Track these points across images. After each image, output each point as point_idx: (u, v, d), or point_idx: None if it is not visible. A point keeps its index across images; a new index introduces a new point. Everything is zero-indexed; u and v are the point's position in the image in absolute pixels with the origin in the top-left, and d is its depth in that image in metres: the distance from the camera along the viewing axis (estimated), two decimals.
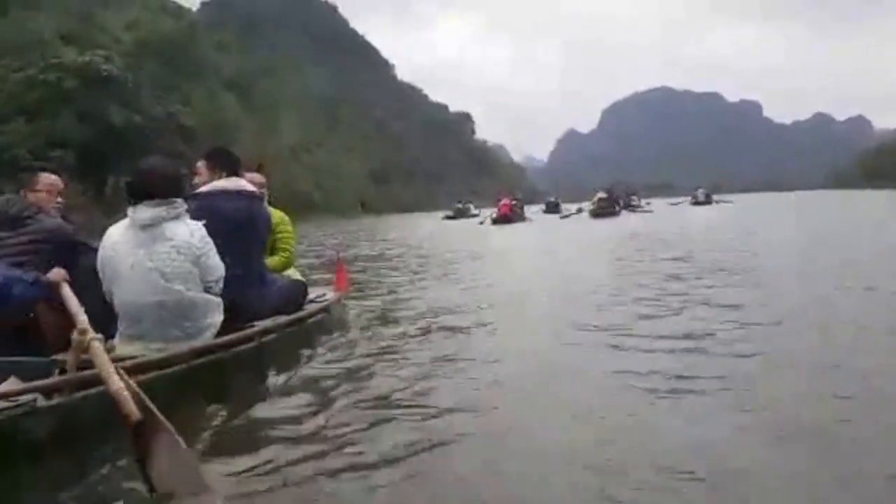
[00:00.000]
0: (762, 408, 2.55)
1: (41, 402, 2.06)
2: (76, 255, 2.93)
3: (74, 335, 2.19)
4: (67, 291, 2.59)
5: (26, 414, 2.00)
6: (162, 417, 1.95)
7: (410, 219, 44.26)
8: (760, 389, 2.78)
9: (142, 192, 2.74)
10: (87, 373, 2.20)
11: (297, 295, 3.72)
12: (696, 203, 38.20)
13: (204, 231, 2.84)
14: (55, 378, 2.23)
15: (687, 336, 3.86)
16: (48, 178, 3.16)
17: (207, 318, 2.83)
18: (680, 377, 2.96)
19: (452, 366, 3.39)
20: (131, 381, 2.05)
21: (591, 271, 7.97)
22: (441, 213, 39.72)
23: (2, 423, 1.93)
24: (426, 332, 4.35)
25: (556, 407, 2.69)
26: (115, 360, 2.29)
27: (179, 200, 2.81)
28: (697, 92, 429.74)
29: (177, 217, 2.78)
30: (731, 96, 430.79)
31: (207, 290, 2.84)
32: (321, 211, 56.62)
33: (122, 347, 2.72)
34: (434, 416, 2.59)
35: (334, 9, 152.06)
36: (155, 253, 2.69)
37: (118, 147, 34.83)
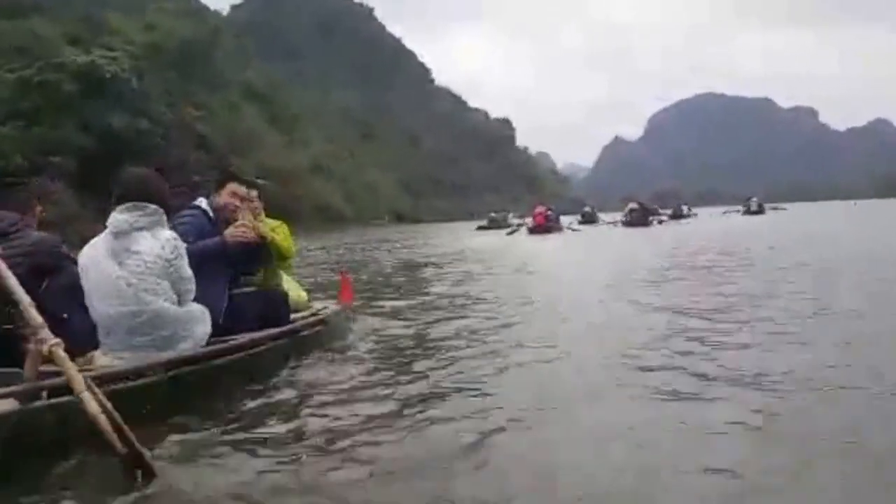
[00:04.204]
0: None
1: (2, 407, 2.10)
2: (60, 267, 3.01)
3: (31, 344, 2.22)
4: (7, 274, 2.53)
5: None
6: (138, 447, 2.05)
7: (444, 229, 44.37)
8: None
9: (119, 195, 2.86)
10: (45, 382, 2.24)
11: (272, 306, 3.71)
12: (749, 212, 37.43)
13: (178, 242, 2.90)
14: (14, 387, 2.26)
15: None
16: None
17: (185, 329, 2.87)
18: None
19: (455, 387, 3.30)
20: (106, 401, 2.10)
21: (610, 283, 7.84)
22: (476, 224, 39.76)
23: None
24: (434, 348, 4.27)
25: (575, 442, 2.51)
26: (83, 371, 2.35)
27: (154, 207, 2.88)
28: (748, 97, 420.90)
29: (150, 225, 2.85)
30: (784, 102, 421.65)
31: (182, 300, 2.88)
32: (351, 222, 57.24)
33: (101, 359, 2.77)
34: (429, 439, 2.54)
35: (370, 11, 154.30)
36: (125, 264, 2.78)
37: (122, 154, 33.28)
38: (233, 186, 3.54)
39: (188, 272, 2.94)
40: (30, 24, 39.73)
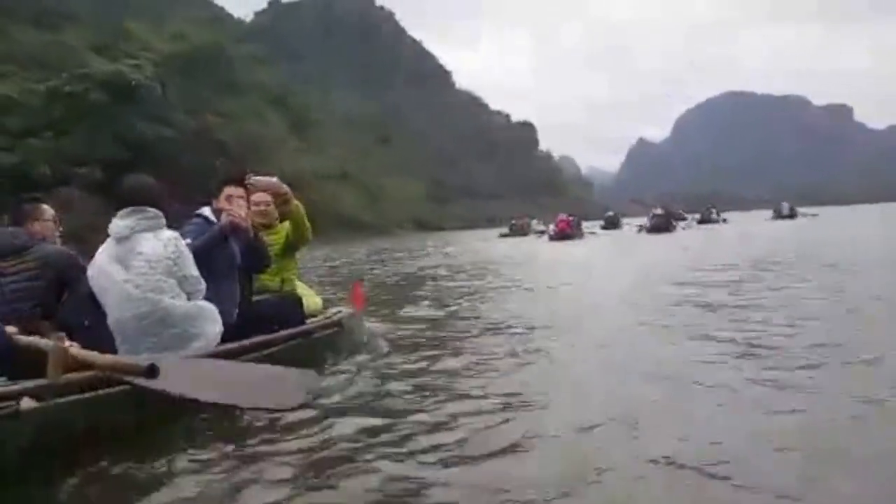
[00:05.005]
0: None
1: (26, 404, 2.22)
2: (78, 279, 3.16)
3: (51, 346, 2.37)
4: None
5: (8, 417, 2.17)
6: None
7: (464, 236, 44.41)
8: None
9: (119, 202, 3.03)
10: (71, 376, 2.38)
11: (287, 311, 3.84)
12: (780, 217, 36.91)
13: (179, 242, 3.04)
14: (39, 382, 2.40)
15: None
16: (50, 210, 3.44)
17: (195, 327, 2.99)
18: None
19: (469, 393, 3.33)
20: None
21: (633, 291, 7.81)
22: (499, 231, 39.78)
23: None
24: (451, 354, 4.32)
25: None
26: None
27: (154, 211, 3.03)
28: (779, 95, 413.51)
29: (151, 228, 3.00)
30: (818, 100, 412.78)
31: (191, 300, 3.02)
32: (371, 230, 57.51)
33: None
34: (441, 445, 2.56)
35: (391, 15, 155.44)
36: (130, 267, 2.93)
37: (147, 162, 34.43)
38: (229, 190, 3.64)
39: (194, 271, 3.06)
40: (59, 36, 40.74)
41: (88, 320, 3.04)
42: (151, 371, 2.27)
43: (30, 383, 2.36)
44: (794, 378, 3.25)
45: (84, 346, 2.52)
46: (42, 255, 3.10)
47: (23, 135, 33.64)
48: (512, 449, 2.47)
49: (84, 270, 3.13)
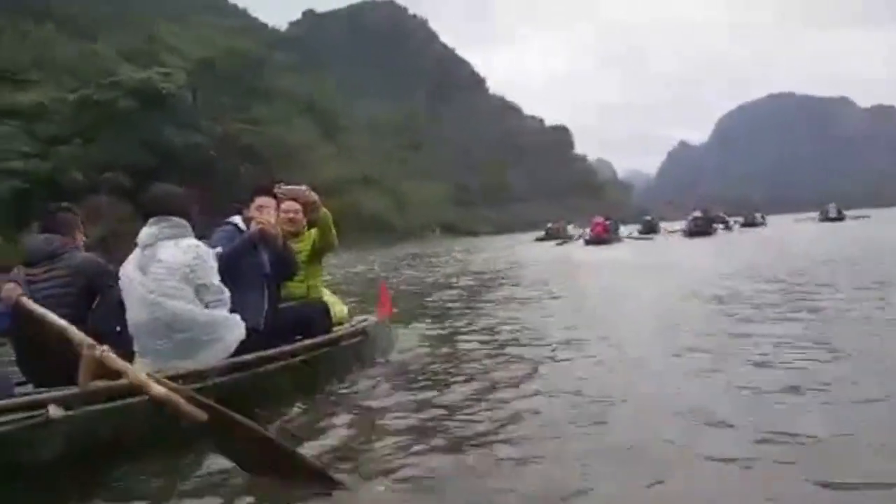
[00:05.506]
0: None
1: (54, 412, 2.26)
2: (109, 286, 3.24)
3: (84, 350, 2.41)
4: (32, 306, 2.79)
5: (40, 425, 2.21)
6: (223, 409, 2.14)
7: (498, 241, 44.30)
8: None
9: (146, 212, 3.13)
10: (100, 384, 2.43)
11: (313, 319, 3.88)
12: (827, 219, 35.92)
13: (200, 249, 3.10)
14: (69, 390, 2.45)
15: None
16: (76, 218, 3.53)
17: (208, 334, 3.03)
18: None
19: (493, 401, 3.31)
20: (173, 384, 2.26)
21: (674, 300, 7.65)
22: (534, 235, 39.63)
23: (14, 434, 2.16)
24: (482, 364, 4.25)
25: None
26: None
27: (177, 220, 3.11)
28: (823, 97, 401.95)
29: (173, 236, 3.07)
30: (863, 101, 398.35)
31: (210, 308, 3.08)
32: (401, 235, 57.79)
33: (135, 366, 2.99)
34: (467, 454, 2.56)
35: (424, 22, 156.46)
36: (149, 272, 3.01)
37: (176, 168, 35.48)
38: (260, 200, 3.73)
39: (214, 280, 3.12)
40: (90, 44, 41.98)
41: (119, 326, 3.13)
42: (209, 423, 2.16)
43: (59, 392, 2.41)
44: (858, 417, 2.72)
45: (115, 352, 2.56)
46: (73, 263, 3.19)
47: (52, 142, 34.65)
48: (552, 468, 2.40)
49: (114, 278, 3.21)
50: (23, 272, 3.16)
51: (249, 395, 3.09)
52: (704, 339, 4.60)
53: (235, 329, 3.14)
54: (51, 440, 2.24)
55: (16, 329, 3.04)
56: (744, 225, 33.75)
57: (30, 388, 2.98)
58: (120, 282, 3.12)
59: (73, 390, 2.42)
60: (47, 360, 2.89)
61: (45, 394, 2.40)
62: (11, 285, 2.95)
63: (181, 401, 2.11)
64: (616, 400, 3.19)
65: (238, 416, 2.14)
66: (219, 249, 3.38)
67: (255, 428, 2.16)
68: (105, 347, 2.40)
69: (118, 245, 3.50)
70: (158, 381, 2.30)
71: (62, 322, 2.58)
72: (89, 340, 2.42)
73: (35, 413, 2.24)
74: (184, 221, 3.14)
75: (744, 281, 8.38)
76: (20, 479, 2.15)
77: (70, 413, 2.32)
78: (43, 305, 2.87)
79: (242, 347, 3.16)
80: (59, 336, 2.53)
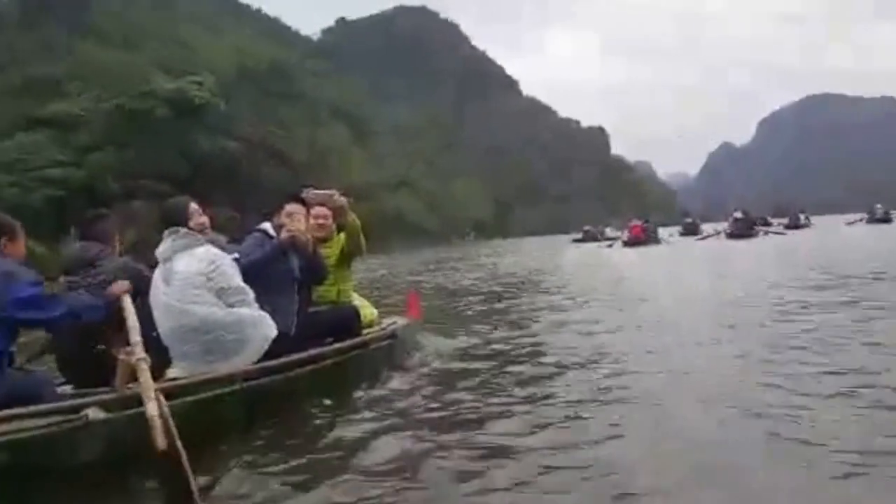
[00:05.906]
0: None
1: (94, 415, 2.38)
2: (144, 291, 3.32)
3: (122, 354, 2.53)
4: (127, 304, 2.93)
5: (78, 428, 2.33)
6: (179, 448, 2.22)
7: (534, 243, 44.03)
8: None
9: (162, 224, 3.30)
10: (136, 386, 2.51)
11: (344, 322, 3.95)
12: (874, 220, 34.66)
13: (214, 256, 3.21)
14: (107, 394, 2.56)
15: None
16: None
17: (233, 333, 3.12)
18: None
19: (519, 404, 3.34)
20: (165, 407, 2.34)
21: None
22: (570, 237, 39.36)
23: (56, 436, 2.27)
24: (511, 368, 4.26)
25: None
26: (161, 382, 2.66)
27: (185, 230, 3.25)
28: (871, 97, 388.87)
29: (186, 247, 3.19)
30: None
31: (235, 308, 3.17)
32: (434, 238, 57.91)
33: (170, 372, 3.10)
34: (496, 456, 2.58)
35: (456, 27, 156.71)
36: (171, 284, 3.14)
37: (210, 175, 36.17)
38: (290, 207, 3.81)
39: (233, 282, 3.23)
40: (125, 53, 43.15)
41: (156, 331, 3.23)
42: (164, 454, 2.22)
43: (98, 395, 2.53)
44: None
45: (151, 356, 2.65)
46: (111, 269, 3.30)
47: (87, 150, 35.57)
48: (589, 477, 2.38)
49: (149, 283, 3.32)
50: (63, 280, 3.30)
51: (280, 398, 3.17)
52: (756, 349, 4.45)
53: (262, 326, 3.22)
54: (90, 442, 2.35)
55: (69, 329, 3.10)
56: (787, 227, 32.78)
57: (69, 389, 3.10)
58: (150, 295, 3.23)
59: (112, 394, 2.53)
60: (85, 362, 3.03)
61: (86, 398, 2.51)
62: (126, 283, 3.07)
63: (157, 425, 2.21)
64: (664, 405, 3.18)
65: (186, 464, 2.21)
66: (235, 255, 3.48)
67: (191, 482, 2.22)
68: (144, 356, 2.50)
69: (153, 250, 3.60)
70: (159, 398, 2.36)
71: (137, 325, 2.73)
72: (139, 347, 2.54)
73: (75, 417, 2.35)
74: (191, 231, 3.26)
75: (791, 291, 7.55)
76: (61, 479, 2.25)
77: (109, 416, 2.43)
78: None
79: (273, 351, 3.23)
80: (123, 339, 2.68)
